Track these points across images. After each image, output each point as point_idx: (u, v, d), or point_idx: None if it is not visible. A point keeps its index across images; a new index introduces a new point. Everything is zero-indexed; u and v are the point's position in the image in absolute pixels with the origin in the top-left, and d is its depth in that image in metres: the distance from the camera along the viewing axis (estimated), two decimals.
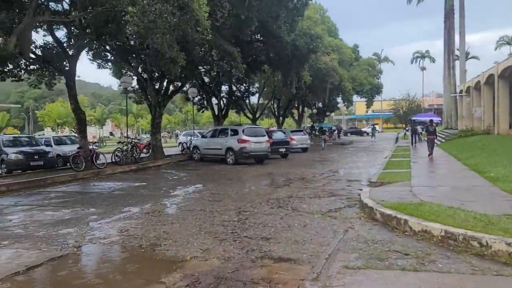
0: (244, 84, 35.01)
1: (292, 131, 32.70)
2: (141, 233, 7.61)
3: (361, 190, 11.24)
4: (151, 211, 9.73)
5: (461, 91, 38.02)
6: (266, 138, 22.34)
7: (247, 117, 39.91)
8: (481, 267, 5.03)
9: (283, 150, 25.47)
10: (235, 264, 5.64)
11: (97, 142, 30.77)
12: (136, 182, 15.17)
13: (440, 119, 45.13)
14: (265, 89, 40.88)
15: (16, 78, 18.76)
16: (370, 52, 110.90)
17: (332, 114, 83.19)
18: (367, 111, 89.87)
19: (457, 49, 45.30)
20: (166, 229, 7.81)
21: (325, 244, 6.51)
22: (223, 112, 32.85)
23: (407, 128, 49.85)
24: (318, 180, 14.64)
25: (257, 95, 41.85)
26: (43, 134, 51.24)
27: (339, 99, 60.33)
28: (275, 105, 47.37)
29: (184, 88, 29.30)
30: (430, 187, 10.94)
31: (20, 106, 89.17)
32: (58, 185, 14.86)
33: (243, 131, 21.64)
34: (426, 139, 23.10)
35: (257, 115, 41.06)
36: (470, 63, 67.77)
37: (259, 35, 24.72)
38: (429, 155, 20.18)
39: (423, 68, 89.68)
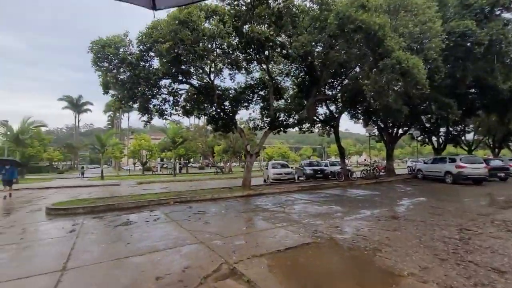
0: (460, 126, 25.37)
1: (510, 159, 21.32)
2: (368, 234, 5.36)
3: None
4: (380, 215, 7.13)
5: None
6: (483, 165, 14.87)
7: (463, 149, 28.78)
8: None
9: (502, 174, 16.44)
10: None
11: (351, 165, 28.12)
12: (373, 191, 12.28)
13: None
14: (479, 129, 28.64)
15: (308, 132, 18.86)
16: None
17: None
18: None
19: None
20: (388, 235, 5.26)
21: None
22: (441, 146, 24.59)
23: None
24: None
25: (472, 132, 29.76)
26: (330, 159, 51.51)
27: None
28: (490, 140, 32.67)
29: (410, 131, 23.47)
30: None
31: (320, 145, 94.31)
32: (327, 189, 13.65)
33: (460, 159, 15.07)
34: None
35: (473, 148, 28.96)
36: None
37: (473, 88, 17.24)
38: None
39: None
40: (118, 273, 3.91)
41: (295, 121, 14.54)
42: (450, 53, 13.34)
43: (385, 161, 25.20)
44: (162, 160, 50.19)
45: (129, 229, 6.41)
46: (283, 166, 19.23)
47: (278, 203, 9.46)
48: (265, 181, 18.23)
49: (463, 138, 26.64)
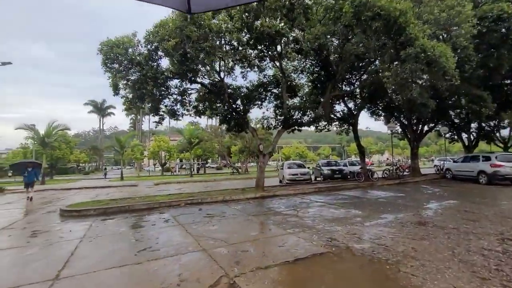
0: (494, 121, 23.07)
1: None
2: (390, 244, 4.71)
3: None
4: (404, 221, 6.37)
5: None
6: None
7: (498, 146, 26.25)
8: None
9: None
10: None
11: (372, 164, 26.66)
12: (397, 193, 11.29)
13: None
14: None
15: (325, 130, 18.06)
16: None
17: None
18: None
19: None
20: (415, 245, 4.57)
21: None
22: (473, 143, 22.58)
23: None
24: None
25: (508, 128, 27.00)
26: (349, 159, 49.29)
27: None
28: None
29: (437, 128, 21.76)
30: None
31: (339, 145, 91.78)
32: (345, 190, 12.84)
33: (496, 157, 13.61)
34: None
35: (509, 145, 26.34)
36: None
37: (509, 79, 15.54)
38: None
39: None
40: (110, 284, 3.61)
41: (310, 119, 13.87)
42: (483, 40, 12.07)
43: (409, 160, 23.67)
44: (181, 160, 50.94)
45: (134, 233, 6.19)
46: (299, 166, 18.58)
47: (292, 206, 8.92)
48: (280, 181, 17.68)
49: (497, 134, 24.35)
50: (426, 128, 19.45)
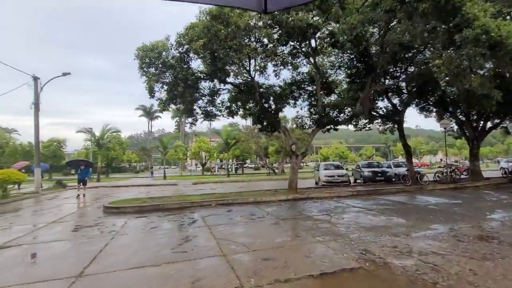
0: None
1: None
2: (441, 262, 3.86)
3: None
4: (460, 234, 5.30)
5: None
6: None
7: None
8: None
9: None
10: None
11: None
12: (452, 200, 9.70)
13: None
14: None
15: (366, 129, 16.66)
16: None
17: None
18: None
19: None
20: (473, 267, 3.67)
21: None
22: None
23: None
24: None
25: None
26: (396, 160, 44.92)
27: None
28: None
29: (503, 124, 18.47)
30: None
31: (384, 145, 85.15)
32: (388, 194, 11.55)
33: None
34: None
35: None
36: None
37: None
38: None
39: None
40: (125, 285, 3.55)
41: (347, 117, 12.87)
42: None
43: (467, 161, 20.56)
44: (221, 161, 52.29)
45: (162, 233, 6.23)
46: (336, 167, 17.52)
47: (325, 210, 8.24)
48: (316, 183, 16.83)
49: None
50: (489, 124, 16.66)
